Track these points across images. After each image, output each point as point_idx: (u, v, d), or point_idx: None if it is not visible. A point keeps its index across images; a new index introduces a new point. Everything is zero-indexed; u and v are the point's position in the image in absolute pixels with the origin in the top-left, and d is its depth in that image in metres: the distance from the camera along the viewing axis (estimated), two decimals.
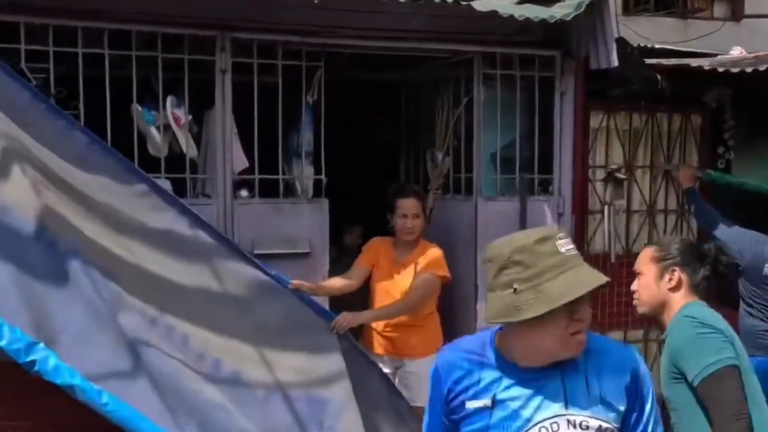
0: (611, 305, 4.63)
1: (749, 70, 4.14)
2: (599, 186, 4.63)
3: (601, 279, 1.60)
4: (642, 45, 4.62)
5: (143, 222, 3.32)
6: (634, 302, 2.55)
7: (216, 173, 3.77)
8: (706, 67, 4.19)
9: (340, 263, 4.25)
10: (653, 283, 2.47)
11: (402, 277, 3.84)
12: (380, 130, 5.26)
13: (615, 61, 4.05)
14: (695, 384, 2.25)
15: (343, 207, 4.40)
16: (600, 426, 1.63)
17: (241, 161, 3.85)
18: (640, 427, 1.70)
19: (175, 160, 3.79)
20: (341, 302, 3.84)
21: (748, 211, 4.38)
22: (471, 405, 1.69)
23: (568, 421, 1.63)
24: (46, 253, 3.10)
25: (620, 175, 4.52)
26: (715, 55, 5.00)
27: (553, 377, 1.65)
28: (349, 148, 4.22)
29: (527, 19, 3.88)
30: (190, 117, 3.76)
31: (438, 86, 4.62)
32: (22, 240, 3.07)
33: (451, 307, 4.22)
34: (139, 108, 3.66)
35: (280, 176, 3.94)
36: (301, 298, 3.49)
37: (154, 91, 3.76)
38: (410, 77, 4.79)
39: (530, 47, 4.30)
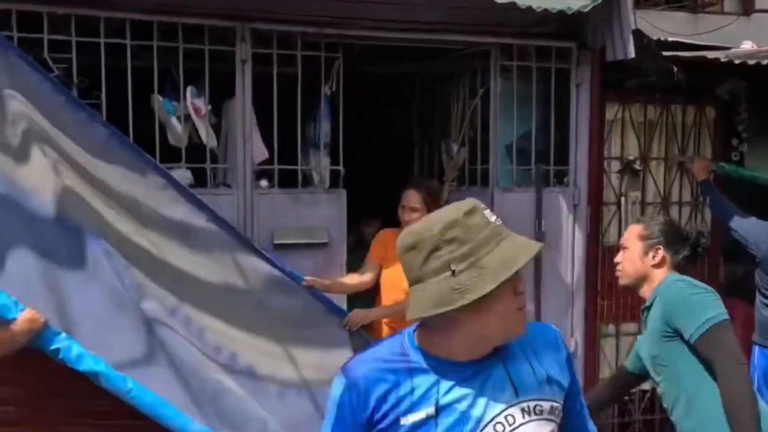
0: (626, 297, 4.65)
1: (765, 62, 4.16)
2: (614, 177, 4.64)
3: (537, 245, 1.46)
4: (657, 37, 4.62)
5: (162, 214, 3.34)
6: (617, 273, 2.75)
7: (236, 163, 3.79)
8: (723, 59, 4.20)
9: (356, 253, 4.28)
10: (638, 258, 2.66)
11: None
12: (394, 122, 5.28)
13: (632, 53, 4.06)
14: (694, 339, 2.43)
15: (358, 199, 4.42)
16: (552, 407, 1.53)
17: (260, 152, 3.87)
18: (579, 398, 1.65)
19: (195, 150, 3.82)
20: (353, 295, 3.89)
21: (761, 205, 4.40)
22: (409, 419, 1.46)
23: (522, 410, 1.49)
24: (69, 239, 3.12)
25: (636, 167, 4.54)
26: (728, 48, 5.01)
27: (494, 367, 1.50)
28: (363, 140, 4.23)
29: (544, 11, 3.89)
30: (209, 107, 3.78)
31: (453, 78, 4.63)
32: (45, 225, 3.10)
33: None
34: (160, 98, 3.68)
35: (299, 167, 3.96)
36: (314, 295, 3.52)
37: (174, 81, 3.78)
38: (424, 69, 4.81)
39: (546, 39, 4.32)
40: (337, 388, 1.52)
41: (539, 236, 4.32)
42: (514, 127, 4.34)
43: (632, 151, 4.67)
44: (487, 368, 1.50)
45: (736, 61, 4.19)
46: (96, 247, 3.13)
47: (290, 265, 3.53)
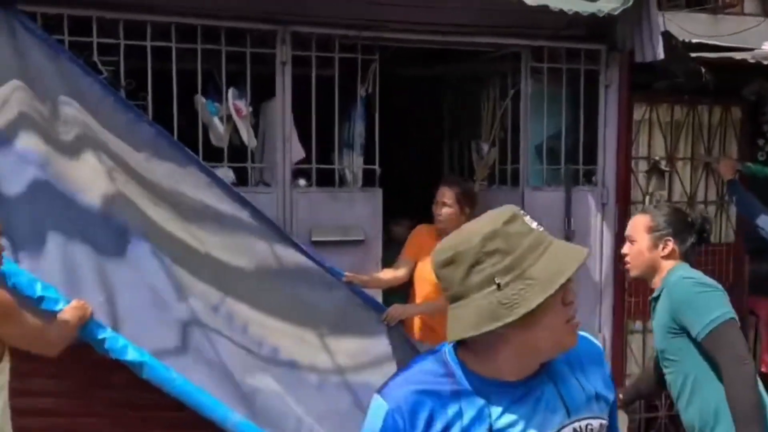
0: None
1: None
2: (641, 177, 4.72)
3: (583, 251, 1.36)
4: (682, 39, 4.69)
5: (206, 210, 3.47)
6: (626, 266, 2.78)
7: (275, 163, 3.90)
8: (751, 61, 4.27)
9: (386, 251, 4.38)
10: (646, 251, 2.68)
11: None
12: (423, 123, 5.37)
13: (661, 54, 4.14)
14: (701, 337, 2.47)
15: (387, 198, 4.51)
16: (601, 424, 1.45)
17: (297, 152, 3.97)
18: (615, 414, 1.57)
19: (234, 150, 3.93)
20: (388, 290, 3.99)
21: None
22: None
23: (575, 430, 1.42)
24: (115, 237, 3.24)
25: (664, 167, 4.62)
26: (751, 49, 5.07)
27: (545, 386, 1.41)
28: (392, 141, 4.32)
29: (575, 14, 3.98)
30: (250, 108, 3.89)
31: (483, 79, 4.73)
32: (92, 223, 3.21)
33: None
34: (203, 100, 3.79)
35: (336, 166, 4.07)
36: (353, 290, 3.63)
37: (216, 83, 3.89)
38: (455, 71, 4.90)
39: (575, 41, 4.40)
40: (377, 413, 1.37)
41: (568, 234, 4.41)
42: (544, 127, 4.43)
43: (659, 151, 4.75)
44: (537, 388, 1.40)
45: (765, 62, 4.26)
46: (141, 246, 3.25)
47: (328, 262, 3.64)
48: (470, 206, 4.07)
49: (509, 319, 1.30)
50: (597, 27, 4.33)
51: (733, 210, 4.90)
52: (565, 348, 1.40)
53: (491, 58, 4.54)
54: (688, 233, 2.67)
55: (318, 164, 4.01)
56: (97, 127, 3.34)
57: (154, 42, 3.62)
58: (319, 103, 3.96)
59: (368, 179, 4.14)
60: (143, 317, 3.17)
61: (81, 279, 3.10)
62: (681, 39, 4.83)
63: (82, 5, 3.49)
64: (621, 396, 3.00)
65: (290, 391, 3.32)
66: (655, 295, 2.71)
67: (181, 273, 3.32)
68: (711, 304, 2.48)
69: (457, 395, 1.37)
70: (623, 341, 4.68)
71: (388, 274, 3.86)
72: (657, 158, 4.66)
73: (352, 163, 4.15)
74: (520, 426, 1.37)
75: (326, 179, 4.08)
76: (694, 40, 4.97)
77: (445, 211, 3.92)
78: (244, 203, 3.53)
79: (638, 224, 2.72)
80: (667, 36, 4.29)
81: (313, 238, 3.87)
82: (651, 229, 2.67)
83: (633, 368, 4.77)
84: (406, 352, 3.66)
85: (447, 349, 1.44)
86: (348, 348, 3.58)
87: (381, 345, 3.64)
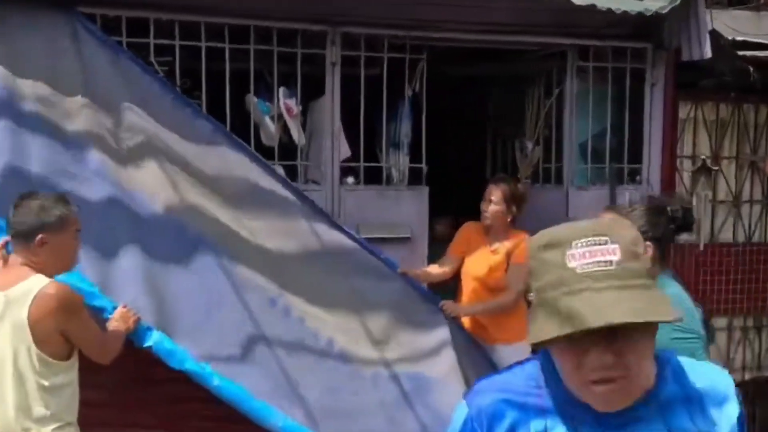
0: (697, 293, 4.72)
1: None
2: (686, 176, 4.72)
3: (639, 315, 1.09)
4: (731, 38, 4.67)
5: (262, 203, 3.53)
6: None
7: (324, 161, 3.97)
8: None
9: (430, 248, 4.42)
10: None
11: (494, 265, 3.95)
12: (465, 121, 5.40)
13: (708, 53, 4.14)
14: None
15: (432, 197, 4.56)
16: None
17: (345, 150, 4.04)
18: None
19: (283, 148, 4.00)
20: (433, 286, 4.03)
21: None
22: None
23: None
24: (175, 238, 3.31)
25: (712, 166, 4.61)
26: None
27: (651, 420, 1.20)
28: (437, 139, 4.36)
29: (624, 12, 3.99)
30: (300, 107, 3.96)
31: (527, 78, 4.75)
32: (154, 229, 3.29)
33: None
34: (255, 99, 3.87)
35: (384, 164, 4.12)
36: (409, 282, 3.67)
37: (267, 83, 3.97)
38: (499, 70, 4.92)
39: (621, 40, 4.41)
40: (458, 417, 1.29)
41: None
42: (589, 126, 4.44)
43: (704, 150, 4.74)
44: (641, 420, 1.20)
45: None
46: (200, 248, 3.32)
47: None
48: (517, 205, 4.09)
49: (529, 341, 1.16)
50: (642, 25, 4.33)
51: None
52: (594, 406, 1.17)
53: (536, 57, 4.56)
54: (667, 231, 2.41)
55: (365, 163, 4.07)
56: (158, 129, 3.42)
57: (209, 42, 3.69)
58: (366, 102, 4.02)
59: (414, 177, 4.19)
60: (201, 316, 3.23)
61: (137, 283, 3.16)
62: (730, 37, 4.81)
63: (140, 7, 3.58)
64: None
65: (345, 381, 3.37)
66: None
67: (240, 269, 3.38)
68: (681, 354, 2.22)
69: (543, 411, 1.23)
70: None
71: (435, 269, 3.91)
72: (703, 157, 4.64)
73: (399, 162, 4.20)
74: None
75: (373, 177, 4.14)
76: (738, 38, 4.95)
77: (492, 208, 3.95)
78: (298, 195, 3.60)
79: None
80: (715, 34, 4.28)
81: (361, 235, 3.93)
82: None
83: None
84: (462, 344, 3.70)
85: (539, 358, 1.26)
86: (403, 339, 3.60)
87: (436, 336, 3.66)
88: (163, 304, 3.16)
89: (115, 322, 2.79)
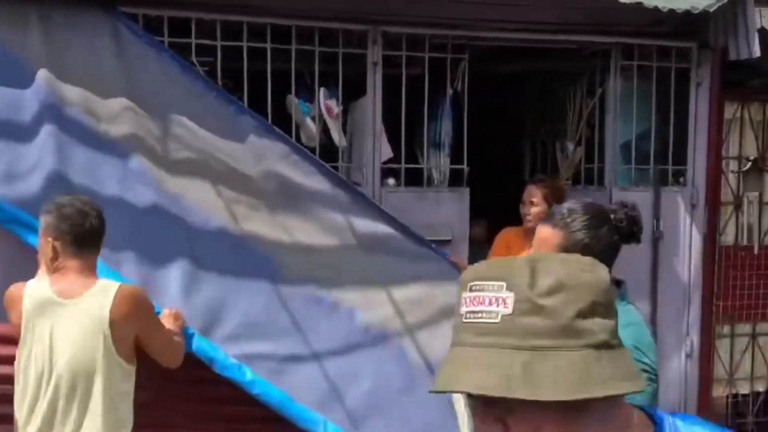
0: (741, 298, 4.62)
1: None
2: (732, 177, 4.61)
3: (493, 387, 0.88)
4: None
5: (312, 198, 3.49)
6: None
7: (365, 162, 3.92)
8: None
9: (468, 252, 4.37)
10: None
11: None
12: (504, 121, 5.33)
13: (757, 52, 4.04)
14: None
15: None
16: None
17: (387, 151, 3.99)
18: None
19: (323, 149, 3.95)
20: None
21: None
22: None
23: None
24: (220, 241, 3.29)
25: (763, 167, 4.51)
26: None
27: None
28: (476, 140, 4.30)
29: (669, 11, 3.91)
30: (341, 108, 3.92)
31: (568, 77, 4.67)
32: (196, 231, 3.27)
33: None
34: (296, 100, 3.83)
35: (425, 165, 4.07)
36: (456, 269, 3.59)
37: (307, 83, 3.93)
38: (539, 68, 4.85)
39: (664, 38, 4.32)
40: None
41: (657, 236, 4.34)
42: (633, 126, 4.36)
43: (750, 151, 4.64)
44: None
45: None
46: (245, 249, 3.30)
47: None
48: (559, 203, 4.03)
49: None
50: (687, 24, 4.24)
51: None
52: None
53: (578, 56, 4.49)
54: (611, 241, 2.12)
55: (406, 164, 4.02)
56: (202, 132, 3.39)
57: (251, 43, 3.66)
58: (406, 102, 3.96)
59: (455, 179, 4.13)
60: (250, 319, 3.20)
61: (179, 286, 3.13)
62: None
63: (182, 7, 3.55)
64: None
65: (401, 380, 3.30)
66: None
67: (286, 270, 3.35)
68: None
69: None
70: (711, 346, 4.58)
71: None
72: (752, 158, 4.53)
73: (439, 163, 4.15)
74: None
75: (414, 178, 4.08)
76: None
77: (534, 210, 3.90)
78: (347, 188, 3.55)
79: (548, 242, 2.12)
80: (763, 33, 4.18)
81: None
82: (562, 250, 2.05)
83: (720, 372, 4.67)
84: None
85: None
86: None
87: None
88: (206, 308, 3.14)
89: (168, 323, 2.76)
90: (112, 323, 2.37)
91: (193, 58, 3.59)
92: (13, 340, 2.83)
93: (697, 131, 4.39)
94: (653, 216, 4.35)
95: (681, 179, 4.44)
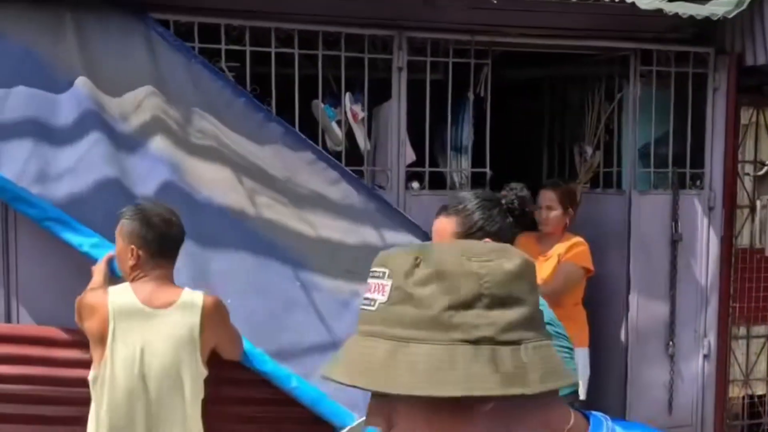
0: (757, 300, 4.68)
1: None
2: (747, 181, 4.67)
3: (350, 376, 0.86)
4: None
5: (336, 206, 3.54)
6: None
7: (389, 165, 3.97)
8: None
9: None
10: None
11: (544, 268, 3.97)
12: (521, 125, 5.38)
13: None
14: None
15: None
16: None
17: (410, 155, 4.04)
18: None
19: (347, 153, 4.01)
20: None
21: None
22: None
23: None
24: (246, 241, 3.35)
25: None
26: None
27: None
28: (494, 144, 4.35)
29: (691, 17, 3.97)
30: (365, 113, 3.97)
31: (586, 82, 4.73)
32: (222, 226, 3.33)
33: (601, 302, 4.34)
34: (321, 105, 3.88)
35: (449, 169, 4.12)
36: None
37: (332, 88, 3.98)
38: (558, 73, 4.91)
39: (681, 44, 4.38)
40: None
41: (675, 238, 4.40)
42: (652, 130, 4.41)
43: (765, 155, 4.70)
44: None
45: None
46: (269, 249, 3.35)
47: None
48: (573, 206, 4.11)
49: None
50: (705, 30, 4.30)
51: None
52: None
53: (596, 61, 4.55)
54: (505, 224, 2.15)
55: (429, 167, 4.07)
56: (229, 137, 3.45)
57: (279, 48, 3.71)
58: (426, 106, 4.01)
59: (477, 182, 4.18)
60: (268, 318, 3.25)
61: (209, 282, 3.19)
62: None
63: (212, 13, 3.60)
64: None
65: None
66: None
67: (311, 274, 3.40)
68: None
69: None
70: (728, 347, 4.64)
71: None
72: (765, 161, 4.60)
73: (459, 165, 4.20)
74: None
75: (436, 182, 4.13)
76: None
77: (552, 214, 3.97)
78: (371, 196, 3.61)
79: (444, 232, 2.15)
80: None
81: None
82: (461, 235, 2.11)
83: (736, 374, 4.73)
84: None
85: None
86: None
87: None
88: (234, 306, 3.19)
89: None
90: (201, 334, 2.42)
91: (223, 64, 3.64)
92: (56, 343, 2.89)
93: (714, 135, 4.45)
94: (672, 218, 4.41)
95: (698, 182, 4.50)
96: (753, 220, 4.67)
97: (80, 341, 3.13)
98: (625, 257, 4.36)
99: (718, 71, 4.41)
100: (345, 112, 3.91)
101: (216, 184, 3.39)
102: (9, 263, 3.30)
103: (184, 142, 3.38)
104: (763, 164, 4.63)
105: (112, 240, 2.84)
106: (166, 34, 3.48)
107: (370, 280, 0.92)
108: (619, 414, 4.38)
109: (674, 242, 4.40)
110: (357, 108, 3.93)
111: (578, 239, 4.06)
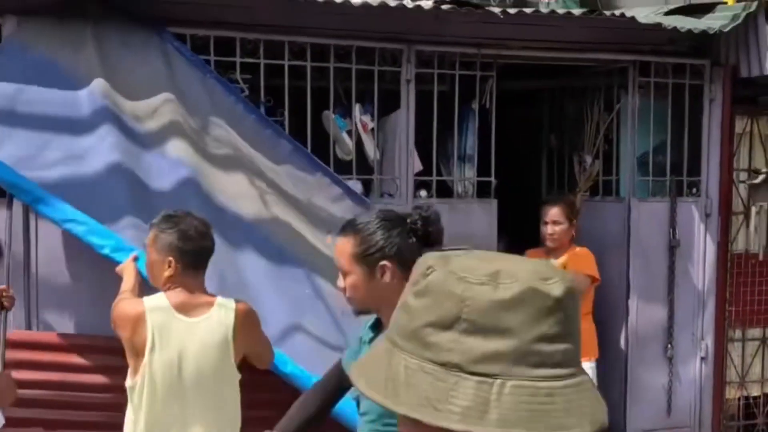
0: (752, 303, 4.82)
1: None
2: (742, 188, 4.82)
3: None
4: None
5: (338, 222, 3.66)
6: (347, 298, 2.15)
7: (398, 174, 4.08)
8: None
9: None
10: (362, 283, 2.07)
11: None
12: (522, 135, 5.50)
13: None
14: None
15: None
16: None
17: (417, 164, 4.16)
18: None
19: (357, 162, 4.12)
20: None
21: None
22: None
23: None
24: (261, 247, 3.45)
25: None
26: None
27: None
28: (497, 154, 4.48)
29: (689, 30, 4.12)
30: (374, 123, 4.09)
31: (585, 92, 4.87)
32: (239, 230, 3.43)
33: (601, 307, 4.47)
34: (332, 115, 4.00)
35: (455, 178, 4.24)
36: None
37: (341, 99, 4.10)
38: (558, 85, 5.05)
39: (680, 56, 4.53)
40: None
41: (673, 244, 4.54)
42: (650, 140, 4.56)
43: (759, 163, 4.84)
44: None
45: None
46: (283, 257, 3.45)
47: None
48: (576, 218, 4.22)
49: None
50: (701, 42, 4.45)
51: None
52: None
53: (595, 72, 4.68)
54: (407, 245, 2.06)
55: (431, 176, 4.19)
56: (244, 146, 3.56)
57: (292, 61, 3.82)
58: (431, 117, 4.14)
59: (483, 191, 4.31)
60: (281, 324, 3.35)
61: (225, 284, 3.29)
62: None
63: (227, 27, 3.71)
64: None
65: None
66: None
67: (321, 281, 3.51)
68: None
69: None
70: (724, 349, 4.77)
71: None
72: (764, 170, 4.73)
73: (464, 174, 4.32)
74: None
75: (442, 191, 4.25)
76: None
77: (558, 229, 4.07)
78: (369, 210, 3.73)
79: (341, 252, 2.11)
80: None
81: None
82: (359, 256, 2.07)
83: (732, 376, 4.86)
84: None
85: None
86: None
87: None
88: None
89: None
90: (234, 340, 2.52)
91: (237, 76, 3.74)
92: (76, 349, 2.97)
93: (710, 144, 4.60)
94: (669, 225, 4.55)
95: (695, 190, 4.64)
96: (748, 226, 4.82)
97: (100, 347, 3.23)
98: (624, 263, 4.49)
99: (714, 83, 4.56)
100: (355, 123, 4.02)
101: (232, 189, 3.49)
102: (30, 272, 3.39)
103: (201, 149, 3.48)
104: (757, 172, 4.77)
105: (132, 241, 2.96)
106: (182, 49, 3.59)
107: None
108: (619, 416, 4.50)
109: (672, 248, 4.54)
110: (366, 119, 4.04)
111: (583, 249, 4.18)
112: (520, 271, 0.82)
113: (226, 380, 2.56)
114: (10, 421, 2.75)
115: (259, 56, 3.77)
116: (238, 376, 2.62)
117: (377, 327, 2.15)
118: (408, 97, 4.05)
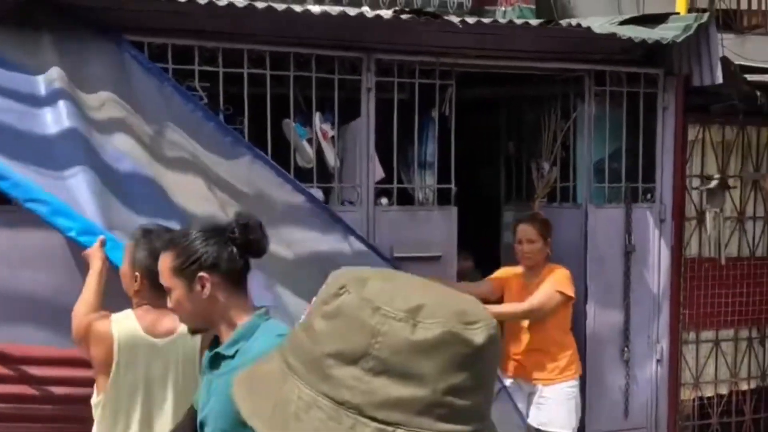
0: (705, 306, 4.94)
1: None
2: (695, 194, 4.93)
3: None
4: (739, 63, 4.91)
5: (303, 229, 3.66)
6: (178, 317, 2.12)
7: (359, 182, 4.10)
8: None
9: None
10: (184, 299, 2.03)
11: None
12: (480, 143, 5.56)
13: (719, 79, 4.37)
14: None
15: None
16: None
17: (379, 172, 4.18)
18: None
19: (317, 171, 4.13)
20: None
21: None
22: None
23: None
24: None
25: (730, 183, 4.84)
26: None
27: None
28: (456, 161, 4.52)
29: (642, 40, 4.21)
30: (335, 131, 4.10)
31: (542, 101, 4.94)
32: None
33: None
34: (292, 123, 4.00)
35: (416, 185, 4.27)
36: None
37: (302, 107, 4.10)
38: (516, 93, 5.11)
39: (634, 65, 4.63)
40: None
41: (629, 249, 4.63)
42: (606, 147, 4.64)
43: (711, 169, 4.97)
44: None
45: None
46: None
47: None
48: (550, 235, 4.21)
49: None
50: (654, 52, 4.55)
51: None
52: None
53: (552, 81, 4.76)
54: (224, 254, 2.02)
55: (391, 184, 4.21)
56: (203, 153, 3.55)
57: (251, 69, 3.81)
58: (391, 125, 4.16)
59: (442, 198, 4.34)
60: None
61: None
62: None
63: (186, 35, 3.69)
64: None
65: None
66: (221, 349, 2.02)
67: (280, 288, 3.51)
68: None
69: None
70: (679, 351, 4.88)
71: (469, 287, 4.04)
72: (718, 176, 4.85)
73: (424, 181, 4.35)
74: None
75: (403, 198, 4.28)
76: (740, 63, 5.20)
77: (533, 247, 4.05)
78: (336, 220, 3.74)
79: (164, 267, 2.07)
80: (725, 61, 4.51)
81: (395, 254, 4.07)
82: (177, 269, 2.02)
83: (687, 377, 4.97)
84: None
85: None
86: None
87: None
88: None
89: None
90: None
91: (196, 84, 3.73)
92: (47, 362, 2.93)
93: (664, 151, 4.71)
94: (625, 231, 4.64)
95: (650, 196, 4.74)
96: (701, 231, 4.93)
97: (59, 358, 3.18)
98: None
99: (667, 91, 4.66)
100: (315, 131, 4.03)
101: (188, 190, 3.45)
102: None
103: (156, 152, 3.44)
104: (710, 178, 4.89)
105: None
106: (139, 57, 3.55)
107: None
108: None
109: (628, 253, 4.63)
110: (327, 127, 4.05)
111: (560, 268, 4.11)
112: (443, 310, 0.73)
113: (191, 401, 2.54)
114: None
115: (218, 64, 3.75)
116: None
117: (216, 346, 2.04)
118: (368, 105, 4.07)
